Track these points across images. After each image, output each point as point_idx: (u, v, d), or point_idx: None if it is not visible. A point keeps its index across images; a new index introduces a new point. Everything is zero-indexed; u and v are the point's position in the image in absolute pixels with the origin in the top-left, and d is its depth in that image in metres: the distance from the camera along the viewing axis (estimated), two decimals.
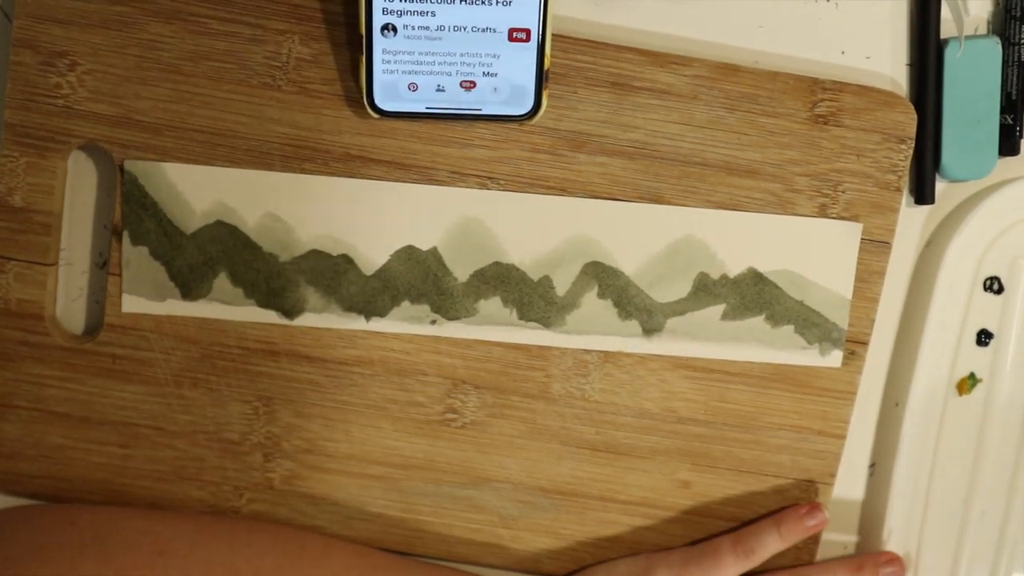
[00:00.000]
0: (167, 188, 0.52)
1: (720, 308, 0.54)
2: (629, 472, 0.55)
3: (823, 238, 0.54)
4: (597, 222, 0.53)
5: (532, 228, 0.53)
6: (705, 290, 0.54)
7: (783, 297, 0.54)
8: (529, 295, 0.54)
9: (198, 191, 0.52)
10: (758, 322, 0.54)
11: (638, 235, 0.53)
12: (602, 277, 0.54)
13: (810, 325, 0.54)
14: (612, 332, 0.54)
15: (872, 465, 0.58)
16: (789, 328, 0.54)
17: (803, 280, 0.54)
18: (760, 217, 0.54)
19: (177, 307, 0.53)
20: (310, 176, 0.52)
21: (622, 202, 0.53)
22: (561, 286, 0.54)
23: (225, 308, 0.53)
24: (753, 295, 0.54)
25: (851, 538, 0.58)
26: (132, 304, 0.53)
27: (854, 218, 0.54)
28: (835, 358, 0.55)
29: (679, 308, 0.54)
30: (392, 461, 0.55)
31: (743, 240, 0.54)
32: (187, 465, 0.54)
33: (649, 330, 0.54)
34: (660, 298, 0.54)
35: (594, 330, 0.54)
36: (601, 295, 0.54)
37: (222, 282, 0.53)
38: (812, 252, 0.54)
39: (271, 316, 0.53)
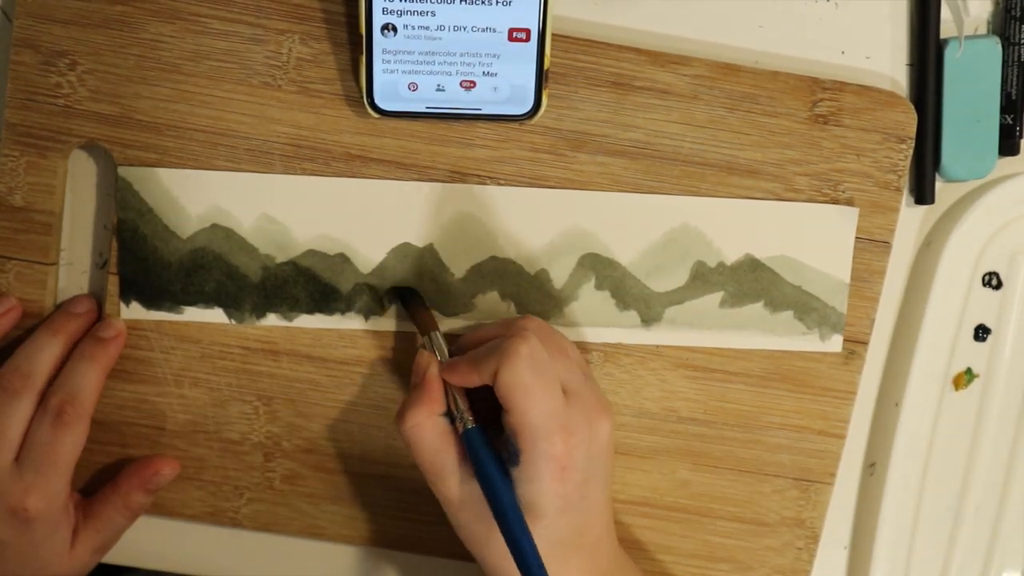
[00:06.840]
0: (162, 193, 0.52)
1: (718, 296, 0.54)
2: (629, 472, 0.55)
3: (819, 223, 0.54)
4: (592, 214, 0.53)
5: (527, 222, 0.53)
6: (702, 278, 0.54)
7: (781, 283, 0.54)
8: (527, 288, 0.54)
9: (193, 195, 0.52)
10: (757, 308, 0.54)
11: (633, 225, 0.53)
12: (599, 268, 0.54)
13: (809, 310, 0.54)
14: (611, 323, 0.54)
15: (872, 464, 0.58)
16: (788, 314, 0.54)
17: (800, 265, 0.54)
18: (755, 204, 0.54)
19: (175, 310, 0.53)
20: (304, 177, 0.52)
21: (616, 192, 0.53)
22: (558, 279, 0.54)
23: (222, 312, 0.53)
24: (751, 282, 0.54)
25: (846, 531, 0.58)
26: (132, 310, 0.53)
27: None
28: (835, 342, 0.55)
29: (677, 297, 0.54)
30: (392, 461, 0.55)
31: (739, 227, 0.54)
32: (187, 465, 0.54)
33: (648, 320, 0.54)
34: (658, 288, 0.54)
35: (593, 322, 0.54)
36: (598, 286, 0.54)
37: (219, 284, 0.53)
38: (808, 237, 0.54)
39: (270, 318, 0.53)
